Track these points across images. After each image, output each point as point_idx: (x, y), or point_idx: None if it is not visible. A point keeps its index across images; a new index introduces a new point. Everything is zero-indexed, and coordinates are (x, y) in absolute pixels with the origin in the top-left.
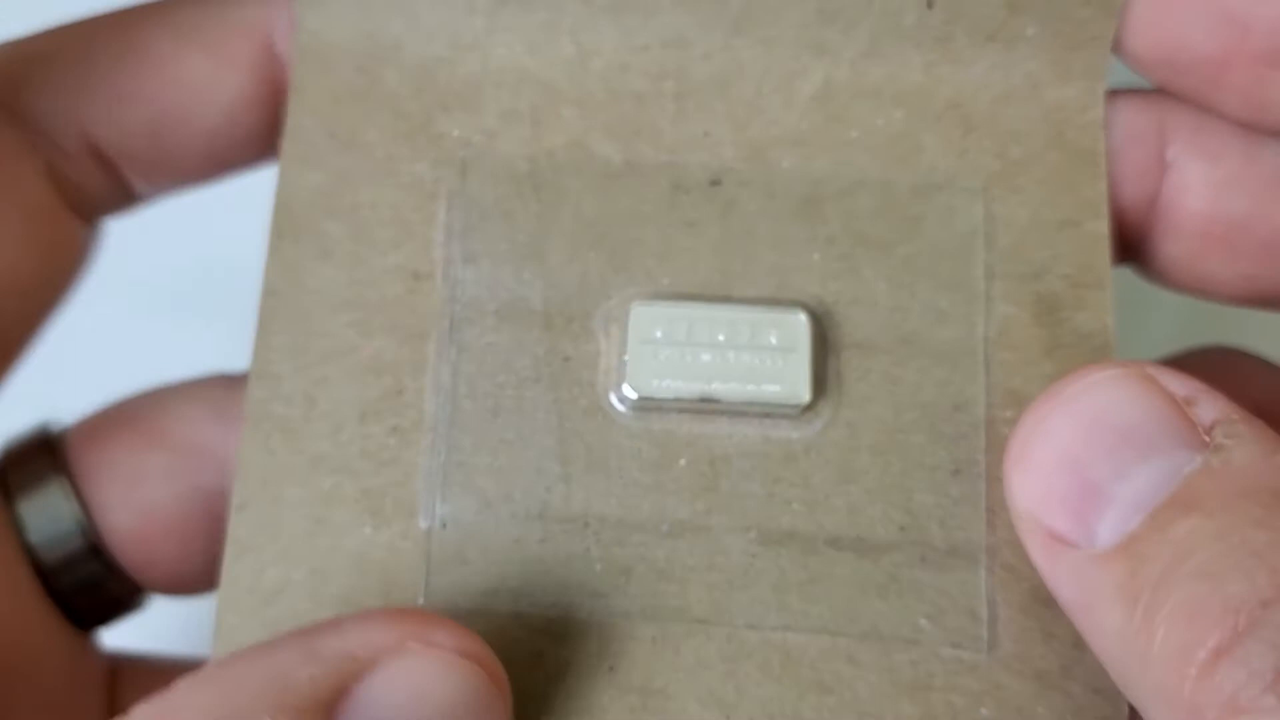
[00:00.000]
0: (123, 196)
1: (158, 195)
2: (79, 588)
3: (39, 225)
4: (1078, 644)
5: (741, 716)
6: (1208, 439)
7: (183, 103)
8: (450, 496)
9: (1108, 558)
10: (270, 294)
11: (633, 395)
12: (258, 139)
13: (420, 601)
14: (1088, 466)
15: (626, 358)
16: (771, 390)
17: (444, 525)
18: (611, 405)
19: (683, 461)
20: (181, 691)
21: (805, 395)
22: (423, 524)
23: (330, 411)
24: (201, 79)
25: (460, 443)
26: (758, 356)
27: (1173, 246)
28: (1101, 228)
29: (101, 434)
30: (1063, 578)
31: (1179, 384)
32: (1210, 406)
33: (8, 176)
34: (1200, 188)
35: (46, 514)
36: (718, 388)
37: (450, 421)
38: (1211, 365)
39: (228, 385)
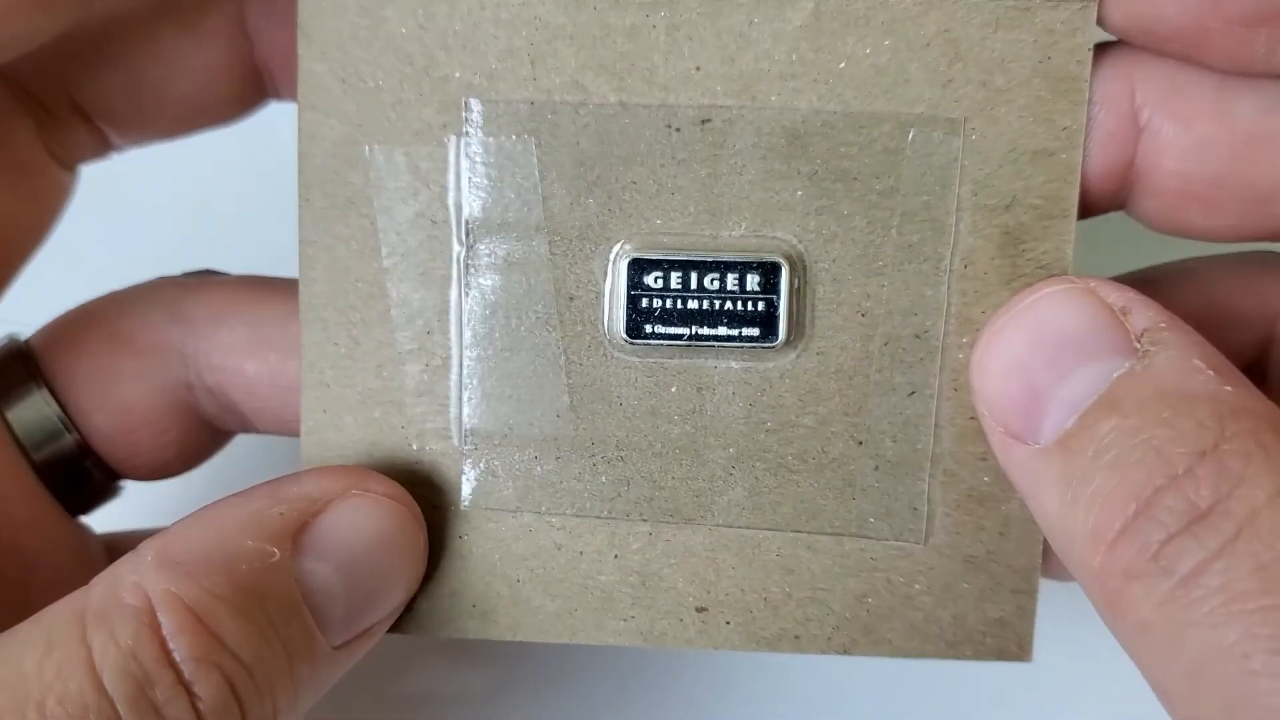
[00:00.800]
0: (101, 148)
1: (133, 147)
2: (67, 482)
3: (27, 177)
4: (1003, 534)
5: (719, 592)
6: (1138, 345)
7: (159, 70)
8: (478, 422)
9: (1047, 452)
10: (306, 242)
11: (629, 339)
12: (227, 103)
13: (465, 506)
14: (1033, 373)
15: (624, 306)
16: (750, 333)
17: (475, 446)
18: (611, 343)
19: (674, 389)
20: (178, 528)
21: (779, 337)
22: (457, 445)
23: (372, 351)
24: (176, 49)
25: (484, 377)
26: (739, 302)
27: (1153, 202)
28: (1075, 158)
29: (70, 342)
30: (1015, 469)
31: (1116, 295)
32: (1142, 315)
33: (1, 134)
34: (1176, 150)
35: (35, 420)
36: (704, 331)
37: (475, 359)
38: (1265, 265)
39: (177, 286)
